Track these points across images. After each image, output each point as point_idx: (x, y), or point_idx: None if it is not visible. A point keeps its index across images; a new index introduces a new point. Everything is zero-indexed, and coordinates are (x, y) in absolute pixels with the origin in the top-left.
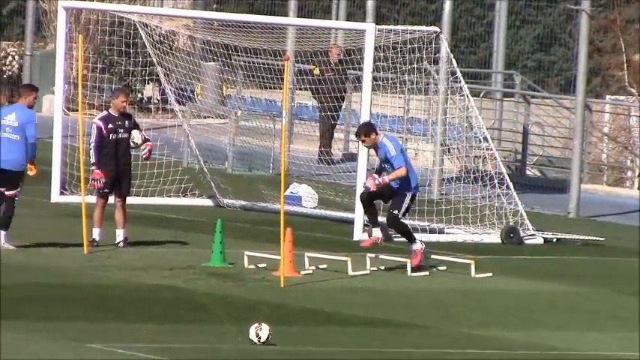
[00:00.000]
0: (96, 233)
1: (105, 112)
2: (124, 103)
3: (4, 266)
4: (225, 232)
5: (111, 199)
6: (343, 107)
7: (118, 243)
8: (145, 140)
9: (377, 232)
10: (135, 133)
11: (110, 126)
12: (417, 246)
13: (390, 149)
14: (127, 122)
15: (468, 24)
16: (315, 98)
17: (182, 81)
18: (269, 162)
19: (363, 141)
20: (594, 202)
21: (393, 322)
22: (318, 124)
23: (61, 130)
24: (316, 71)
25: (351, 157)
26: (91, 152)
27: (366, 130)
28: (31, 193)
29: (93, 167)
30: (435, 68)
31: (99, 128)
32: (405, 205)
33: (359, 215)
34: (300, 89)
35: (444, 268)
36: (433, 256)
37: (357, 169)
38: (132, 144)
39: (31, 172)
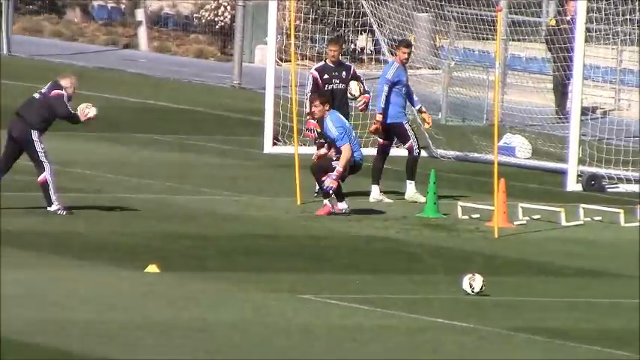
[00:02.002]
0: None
1: (321, 63)
2: (334, 52)
3: (219, 216)
4: (439, 182)
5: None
6: None
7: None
8: (364, 92)
9: (342, 204)
10: (352, 84)
11: (325, 76)
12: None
13: (332, 130)
14: (343, 73)
15: None
16: (549, 50)
17: (395, 32)
18: (482, 113)
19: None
20: None
21: (605, 273)
22: (548, 76)
23: (274, 80)
24: (552, 22)
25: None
26: (306, 102)
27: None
28: (245, 144)
29: (308, 117)
30: None
31: (314, 78)
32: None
33: (572, 165)
34: (513, 40)
35: None
36: None
37: (570, 120)
38: (349, 95)
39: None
